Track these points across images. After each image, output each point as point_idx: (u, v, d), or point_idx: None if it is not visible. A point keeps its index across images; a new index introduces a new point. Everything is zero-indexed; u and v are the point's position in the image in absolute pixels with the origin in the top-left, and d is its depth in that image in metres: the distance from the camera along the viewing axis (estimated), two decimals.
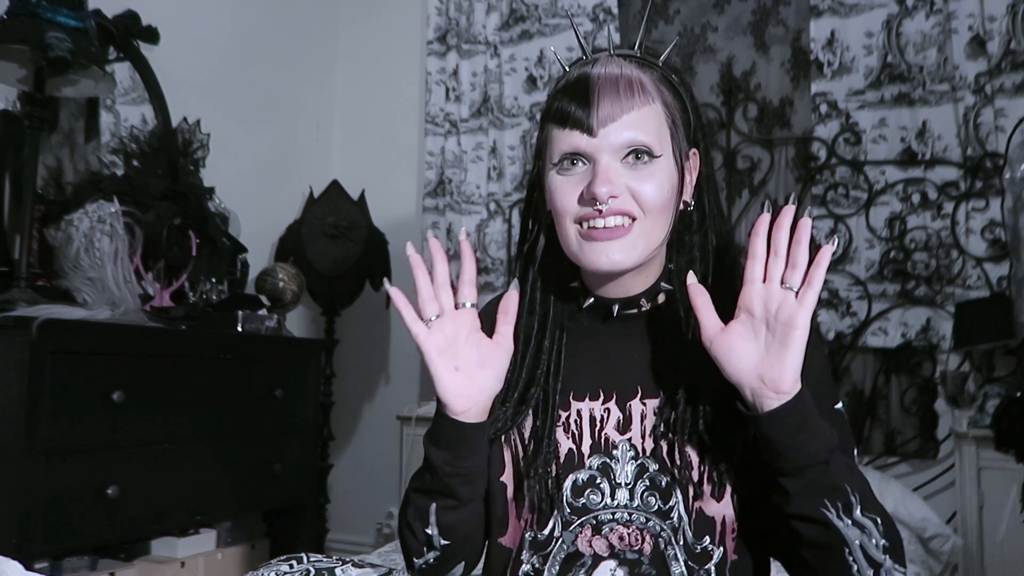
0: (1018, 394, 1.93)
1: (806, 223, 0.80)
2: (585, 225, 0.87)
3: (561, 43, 3.14)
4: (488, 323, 0.93)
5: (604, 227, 0.85)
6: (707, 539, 0.87)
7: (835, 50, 2.70)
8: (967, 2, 2.51)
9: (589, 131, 0.85)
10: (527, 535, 0.92)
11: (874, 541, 0.78)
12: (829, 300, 2.67)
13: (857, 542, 0.78)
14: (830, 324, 2.66)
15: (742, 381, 0.80)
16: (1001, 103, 2.46)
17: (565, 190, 0.88)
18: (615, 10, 3.05)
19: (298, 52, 3.43)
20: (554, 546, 0.90)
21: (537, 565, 0.90)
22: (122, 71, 2.62)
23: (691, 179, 0.93)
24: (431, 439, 0.90)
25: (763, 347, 0.79)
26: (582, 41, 0.96)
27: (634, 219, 0.86)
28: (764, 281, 0.81)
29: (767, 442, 0.79)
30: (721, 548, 0.88)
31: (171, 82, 2.71)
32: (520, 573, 0.91)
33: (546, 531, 0.90)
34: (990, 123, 2.47)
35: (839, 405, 0.93)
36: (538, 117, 3.14)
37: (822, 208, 2.70)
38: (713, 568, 0.87)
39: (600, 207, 0.84)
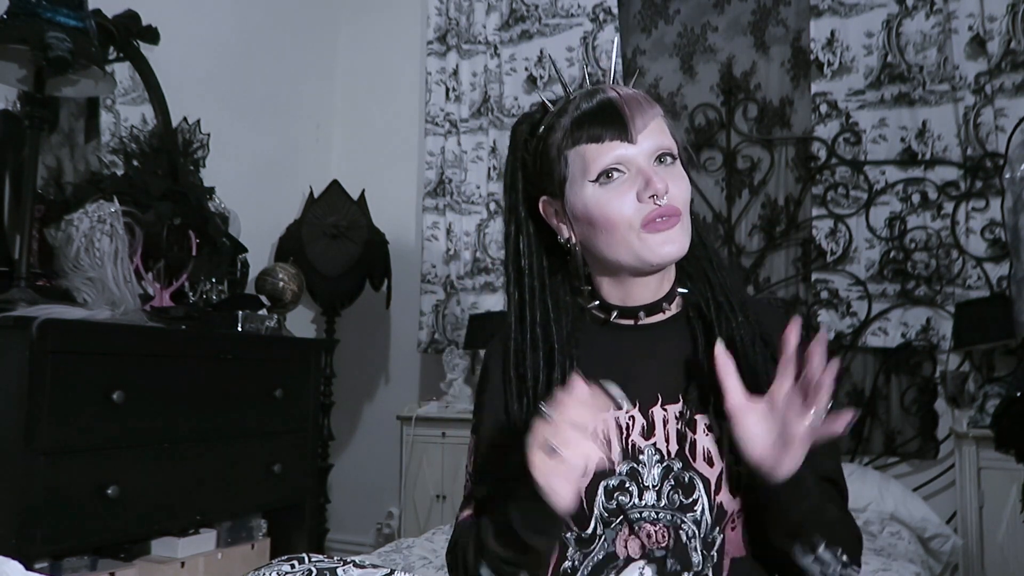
0: (1018, 394, 1.93)
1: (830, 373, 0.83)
2: (646, 223, 0.93)
3: (561, 43, 3.14)
4: (495, 361, 1.03)
5: (662, 218, 0.93)
6: (716, 528, 0.94)
7: (835, 50, 2.70)
8: (967, 2, 2.51)
9: (630, 139, 0.94)
10: (568, 535, 0.97)
11: (831, 569, 0.91)
12: (829, 300, 2.67)
13: (818, 571, 0.90)
14: (830, 324, 2.66)
15: (747, 456, 0.88)
16: (1001, 103, 2.46)
17: (615, 200, 0.94)
18: (615, 10, 3.05)
19: (298, 52, 3.43)
20: (596, 544, 0.95)
21: (577, 563, 0.96)
22: (122, 71, 2.62)
23: None
24: (534, 530, 0.87)
25: (771, 438, 0.86)
26: (565, 84, 1.04)
27: (680, 212, 0.95)
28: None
29: (755, 489, 0.90)
30: (722, 535, 0.94)
31: (171, 82, 2.71)
32: (561, 569, 0.96)
33: (588, 530, 0.95)
34: (990, 123, 2.47)
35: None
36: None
37: (822, 208, 2.70)
38: (715, 553, 0.94)
39: (660, 201, 0.92)
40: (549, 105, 1.03)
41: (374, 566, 0.90)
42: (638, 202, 0.93)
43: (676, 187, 0.94)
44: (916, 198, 2.61)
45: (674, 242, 0.94)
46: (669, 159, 0.96)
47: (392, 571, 0.88)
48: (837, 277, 2.67)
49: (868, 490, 2.29)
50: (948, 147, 2.56)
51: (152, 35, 2.66)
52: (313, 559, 0.91)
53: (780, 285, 2.83)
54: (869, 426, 2.63)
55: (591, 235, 0.97)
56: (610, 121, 0.94)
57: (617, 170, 0.94)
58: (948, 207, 2.55)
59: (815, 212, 2.72)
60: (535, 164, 1.02)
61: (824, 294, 2.68)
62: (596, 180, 0.94)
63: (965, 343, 2.40)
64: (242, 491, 2.29)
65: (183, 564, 2.14)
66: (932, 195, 2.58)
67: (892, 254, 2.62)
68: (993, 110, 2.47)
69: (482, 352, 3.09)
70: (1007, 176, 2.38)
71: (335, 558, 0.93)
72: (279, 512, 2.53)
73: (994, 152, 2.46)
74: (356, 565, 0.90)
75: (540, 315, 1.01)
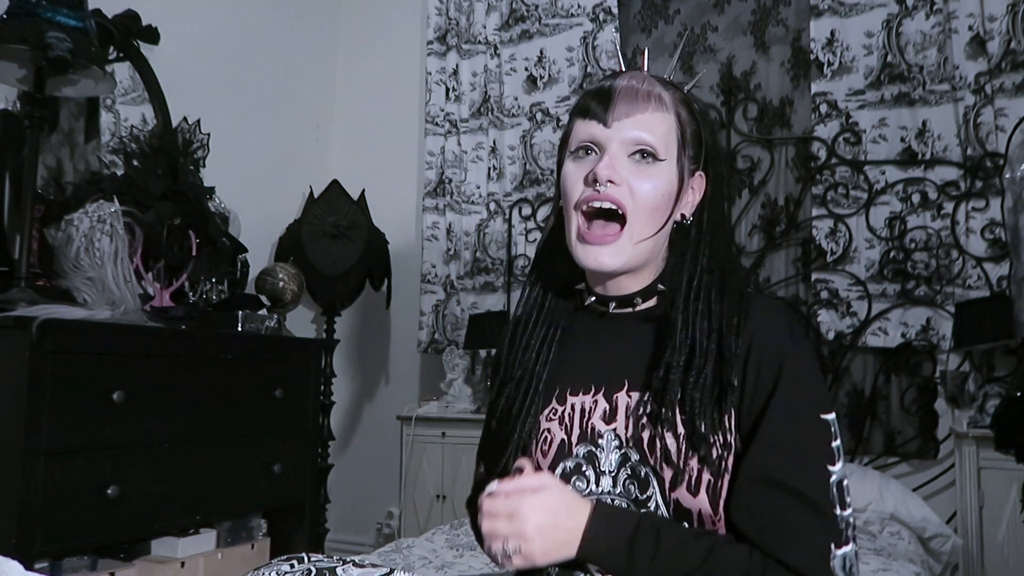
0: (1018, 394, 1.93)
1: None
2: (585, 208, 0.95)
3: (561, 43, 3.14)
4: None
5: (598, 232, 0.94)
6: (683, 525, 0.91)
7: (835, 50, 2.70)
8: (967, 2, 2.51)
9: (604, 122, 0.95)
10: None
11: None
12: (829, 300, 2.67)
13: None
14: (830, 324, 2.66)
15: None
16: (1001, 103, 2.46)
17: (575, 175, 0.97)
18: (615, 10, 3.06)
19: (298, 52, 3.43)
20: None
21: None
22: (122, 71, 2.62)
23: (694, 198, 1.01)
24: None
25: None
26: (621, 61, 1.07)
27: (625, 219, 0.94)
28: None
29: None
30: None
31: (171, 82, 2.71)
32: None
33: None
34: (990, 123, 2.47)
35: (831, 416, 0.90)
36: (538, 117, 3.20)
37: (822, 208, 2.70)
38: None
39: (599, 188, 0.93)
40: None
41: (374, 566, 0.90)
42: (584, 184, 0.95)
43: (638, 185, 0.93)
44: (916, 198, 2.61)
45: (602, 256, 0.94)
46: (649, 158, 0.94)
47: (392, 571, 0.88)
48: (837, 277, 2.67)
49: (868, 490, 2.29)
50: (948, 147, 2.56)
51: (152, 35, 2.66)
52: (313, 559, 0.92)
53: (780, 285, 2.83)
54: (869, 426, 2.63)
55: (563, 207, 1.00)
56: (599, 101, 0.96)
57: (590, 149, 0.96)
58: (948, 207, 2.55)
59: (815, 212, 2.72)
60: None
61: (824, 294, 2.68)
62: (573, 153, 0.98)
63: (965, 343, 2.40)
64: (242, 491, 2.29)
65: (183, 564, 2.14)
66: (932, 195, 2.58)
67: (892, 254, 2.62)
68: (993, 110, 2.47)
69: (482, 352, 3.09)
70: (1007, 176, 2.38)
71: (335, 558, 0.93)
72: (279, 512, 2.53)
73: (994, 152, 2.46)
74: (356, 565, 0.90)
75: (543, 279, 1.06)
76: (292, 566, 0.90)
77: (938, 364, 2.55)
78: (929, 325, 2.56)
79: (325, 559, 0.92)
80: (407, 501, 2.95)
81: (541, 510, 0.85)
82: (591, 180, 0.94)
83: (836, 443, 0.89)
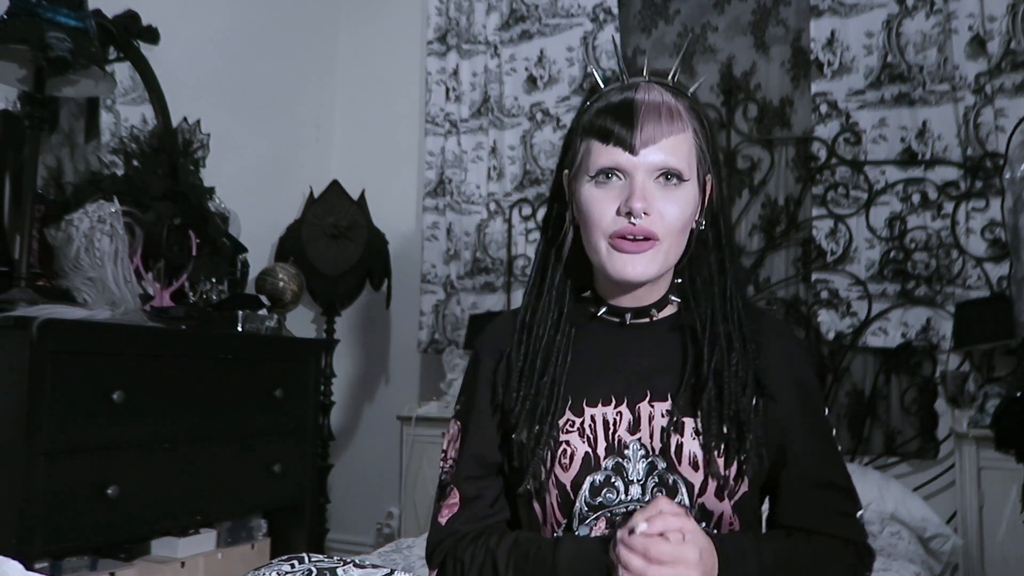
0: (1018, 394, 1.93)
1: None
2: (615, 237, 0.93)
3: (561, 43, 3.14)
4: (492, 343, 1.04)
5: (633, 239, 0.93)
6: (703, 525, 0.94)
7: (835, 50, 2.70)
8: (967, 2, 2.51)
9: (631, 150, 0.93)
10: (557, 534, 0.98)
11: None
12: (829, 300, 2.67)
13: None
14: (830, 324, 2.65)
15: None
16: (1001, 103, 2.46)
17: (601, 203, 0.95)
18: (615, 10, 3.05)
19: (298, 52, 3.43)
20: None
21: None
22: (122, 71, 2.62)
23: (704, 203, 1.01)
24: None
25: None
26: (623, 66, 1.01)
27: (658, 239, 0.93)
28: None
29: None
30: (716, 531, 0.96)
31: (171, 82, 2.71)
32: None
33: (564, 524, 0.98)
34: (990, 123, 2.47)
35: (826, 411, 1.06)
36: (538, 117, 3.19)
37: (822, 208, 2.70)
38: None
39: (634, 221, 0.92)
40: (599, 84, 1.00)
41: (374, 566, 0.90)
42: (616, 214, 0.93)
43: (666, 210, 0.93)
44: (916, 198, 2.60)
45: (636, 266, 0.93)
46: (675, 180, 0.94)
47: (392, 571, 0.88)
48: (837, 277, 2.67)
49: (868, 490, 2.28)
50: (948, 147, 2.56)
51: (152, 35, 2.66)
52: (313, 559, 0.91)
53: (780, 285, 2.83)
54: (869, 426, 2.63)
55: (582, 226, 0.99)
56: (621, 123, 0.94)
57: (614, 174, 0.94)
58: (948, 207, 2.55)
59: (815, 212, 2.72)
60: (570, 138, 1.03)
61: (824, 294, 2.68)
62: (594, 178, 0.95)
63: (965, 343, 2.40)
64: (242, 491, 2.29)
65: (183, 564, 2.14)
66: (932, 195, 2.58)
67: (892, 254, 2.62)
68: (993, 110, 2.46)
69: None
70: (1007, 176, 2.38)
71: (335, 558, 0.93)
72: (279, 512, 2.53)
73: (994, 152, 2.45)
74: (356, 565, 0.90)
75: (558, 281, 1.03)
76: (293, 566, 0.90)
77: (938, 364, 2.54)
78: (929, 325, 2.55)
79: (326, 559, 0.92)
80: (407, 501, 2.95)
81: (699, 557, 0.85)
82: (625, 212, 0.92)
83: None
